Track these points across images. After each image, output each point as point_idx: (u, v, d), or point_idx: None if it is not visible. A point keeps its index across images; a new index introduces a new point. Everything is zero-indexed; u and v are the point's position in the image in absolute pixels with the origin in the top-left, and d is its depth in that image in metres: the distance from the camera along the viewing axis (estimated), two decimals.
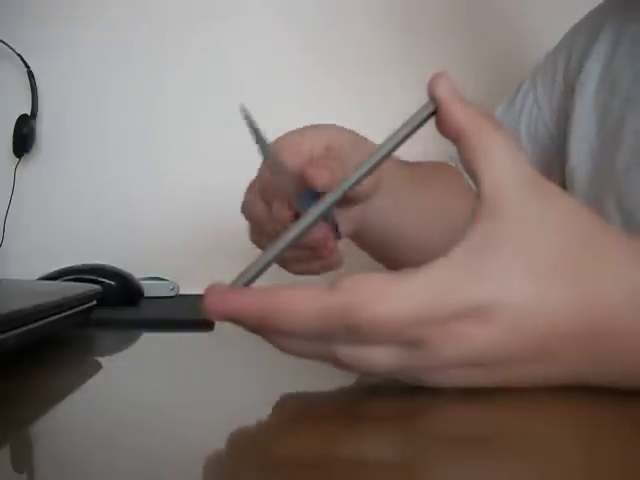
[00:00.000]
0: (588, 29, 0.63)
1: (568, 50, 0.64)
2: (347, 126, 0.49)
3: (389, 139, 0.32)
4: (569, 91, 0.62)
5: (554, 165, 0.63)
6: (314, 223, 0.31)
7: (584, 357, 0.29)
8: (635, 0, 0.59)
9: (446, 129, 0.31)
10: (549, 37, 0.68)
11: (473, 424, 0.28)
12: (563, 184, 0.62)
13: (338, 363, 0.29)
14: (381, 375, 0.30)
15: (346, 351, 0.28)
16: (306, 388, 0.34)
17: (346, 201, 0.44)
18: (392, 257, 0.55)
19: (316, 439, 0.26)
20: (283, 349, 0.30)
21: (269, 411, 0.30)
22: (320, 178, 0.39)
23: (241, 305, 0.27)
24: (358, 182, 0.32)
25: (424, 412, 0.29)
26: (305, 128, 0.46)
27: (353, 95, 0.94)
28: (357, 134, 0.48)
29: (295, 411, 0.31)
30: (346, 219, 0.46)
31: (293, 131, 0.46)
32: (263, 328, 0.28)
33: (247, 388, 0.36)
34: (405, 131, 0.32)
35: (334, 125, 0.47)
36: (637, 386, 0.30)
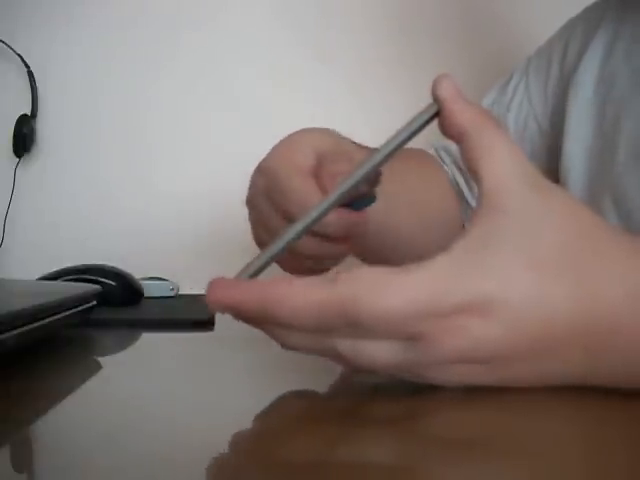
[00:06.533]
0: (585, 25, 0.62)
1: (564, 44, 0.63)
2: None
3: (391, 139, 0.32)
4: (564, 85, 0.61)
5: (542, 163, 0.62)
6: (317, 220, 0.32)
7: (584, 355, 0.29)
8: (631, 0, 0.58)
9: (449, 130, 0.32)
10: (543, 38, 0.68)
11: (475, 426, 0.28)
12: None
13: (338, 358, 0.29)
14: (381, 371, 0.30)
15: (346, 346, 0.29)
16: (306, 389, 0.34)
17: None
18: (384, 257, 0.55)
19: (316, 440, 0.26)
20: (283, 343, 0.30)
21: (269, 412, 0.30)
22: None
23: (242, 296, 0.28)
24: (360, 182, 0.32)
25: (426, 413, 0.29)
26: (294, 138, 0.47)
27: (349, 95, 0.94)
28: (339, 137, 0.49)
29: (295, 412, 0.31)
30: None
31: (283, 143, 0.47)
32: (263, 320, 0.28)
33: (247, 388, 0.36)
34: (408, 132, 0.32)
35: (319, 130, 0.48)
36: (637, 385, 0.29)
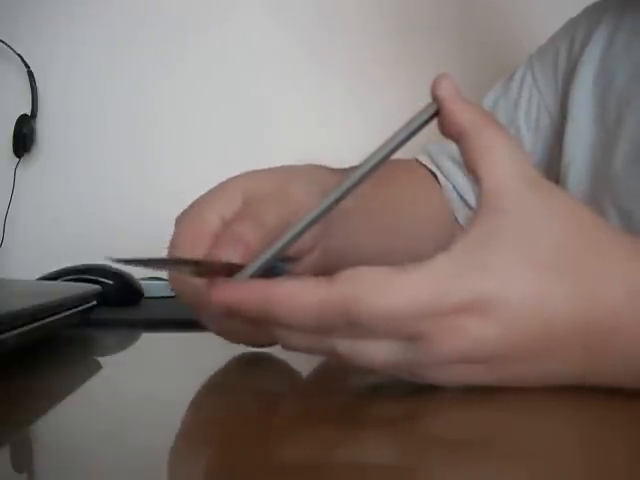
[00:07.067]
0: (588, 20, 0.61)
1: (571, 36, 0.62)
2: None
3: (390, 140, 0.32)
4: (572, 75, 0.60)
5: (555, 156, 0.60)
6: (320, 218, 0.31)
7: (583, 354, 0.29)
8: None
9: (448, 129, 0.32)
10: (541, 37, 0.67)
11: (475, 426, 0.28)
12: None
13: (338, 358, 0.29)
14: (381, 371, 0.30)
15: (346, 345, 0.29)
16: (306, 389, 0.34)
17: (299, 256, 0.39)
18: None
19: (316, 440, 0.26)
20: (284, 343, 0.30)
21: (269, 412, 0.30)
22: (234, 257, 0.34)
23: (242, 295, 0.28)
24: (362, 180, 0.32)
25: (425, 413, 0.29)
26: (210, 194, 0.40)
27: (346, 96, 0.94)
28: (282, 176, 0.41)
29: (295, 412, 0.31)
30: (312, 259, 0.40)
31: (193, 205, 0.41)
32: (264, 320, 0.28)
33: (247, 389, 0.36)
34: (407, 131, 0.31)
35: (249, 174, 0.42)
36: (637, 385, 0.29)
